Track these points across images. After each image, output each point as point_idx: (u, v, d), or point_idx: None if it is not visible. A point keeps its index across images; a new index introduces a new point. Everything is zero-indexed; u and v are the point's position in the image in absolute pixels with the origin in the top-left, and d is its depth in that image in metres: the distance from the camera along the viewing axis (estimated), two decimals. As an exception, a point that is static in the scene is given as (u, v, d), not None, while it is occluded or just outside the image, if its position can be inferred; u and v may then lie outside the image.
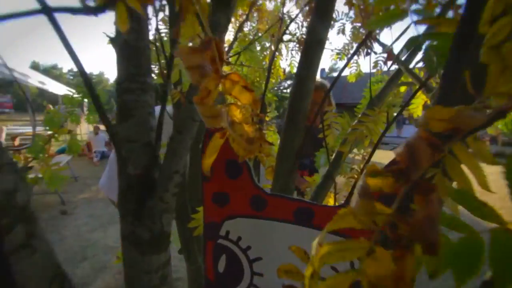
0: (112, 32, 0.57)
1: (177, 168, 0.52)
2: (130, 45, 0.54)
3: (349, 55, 1.48)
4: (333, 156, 0.49)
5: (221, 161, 0.40)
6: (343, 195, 0.49)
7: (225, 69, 1.01)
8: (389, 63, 0.51)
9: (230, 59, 1.16)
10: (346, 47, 1.55)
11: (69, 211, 3.26)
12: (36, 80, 5.48)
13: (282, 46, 1.73)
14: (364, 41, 0.46)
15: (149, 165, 0.55)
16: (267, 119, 0.87)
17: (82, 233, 2.73)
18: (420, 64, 0.38)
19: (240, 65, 0.99)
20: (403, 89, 0.82)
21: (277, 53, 1.61)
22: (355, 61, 1.48)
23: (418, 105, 0.87)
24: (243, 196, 0.40)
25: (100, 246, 2.47)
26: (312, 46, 0.45)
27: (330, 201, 0.51)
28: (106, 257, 2.28)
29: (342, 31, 1.47)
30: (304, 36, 0.47)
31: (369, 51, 0.49)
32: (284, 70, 1.49)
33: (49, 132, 0.90)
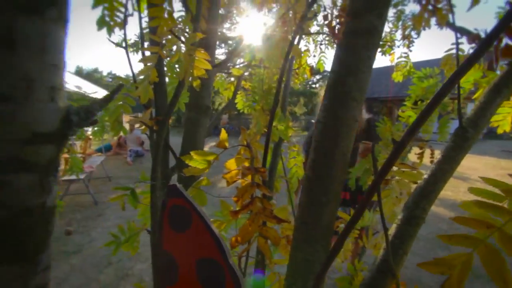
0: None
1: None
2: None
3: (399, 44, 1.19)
4: (393, 231, 0.28)
5: (190, 260, 0.23)
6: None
7: (236, 72, 0.83)
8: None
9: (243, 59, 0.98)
10: (388, 37, 1.28)
11: (100, 212, 3.36)
12: (72, 84, 5.81)
13: (310, 40, 1.51)
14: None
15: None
16: (296, 117, 0.67)
17: (110, 236, 2.77)
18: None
19: (256, 66, 0.81)
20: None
21: (303, 48, 1.40)
22: (404, 53, 1.20)
23: (507, 117, 0.61)
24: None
25: (126, 251, 2.47)
26: (356, 38, 0.26)
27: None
28: (129, 264, 2.26)
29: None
30: (338, 23, 0.29)
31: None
32: (312, 67, 1.28)
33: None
